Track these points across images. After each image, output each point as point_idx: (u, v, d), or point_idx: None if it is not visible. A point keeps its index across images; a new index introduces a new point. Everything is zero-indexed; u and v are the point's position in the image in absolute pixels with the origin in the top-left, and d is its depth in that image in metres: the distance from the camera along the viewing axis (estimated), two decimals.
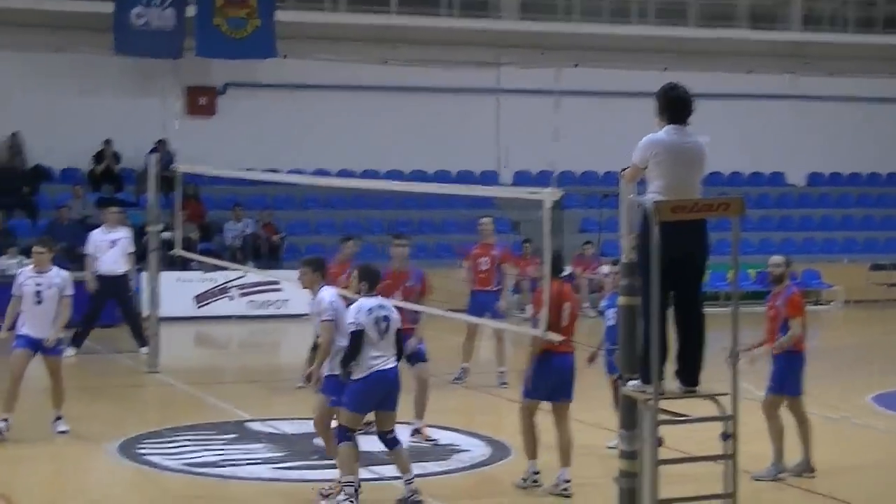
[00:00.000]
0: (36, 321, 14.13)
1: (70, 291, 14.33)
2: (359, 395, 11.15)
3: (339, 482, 11.26)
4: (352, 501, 11.08)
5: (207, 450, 13.57)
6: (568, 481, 11.77)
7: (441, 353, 20.55)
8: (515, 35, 32.25)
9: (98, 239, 20.83)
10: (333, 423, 11.52)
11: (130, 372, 19.51)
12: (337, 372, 11.39)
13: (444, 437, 14.29)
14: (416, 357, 14.02)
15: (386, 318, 11.30)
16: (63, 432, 14.22)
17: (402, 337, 11.60)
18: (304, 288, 12.11)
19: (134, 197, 26.84)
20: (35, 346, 14.14)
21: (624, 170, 9.02)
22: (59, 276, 14.29)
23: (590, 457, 12.78)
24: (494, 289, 17.88)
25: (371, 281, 11.52)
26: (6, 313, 14.37)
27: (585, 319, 25.03)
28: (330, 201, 30.27)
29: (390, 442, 11.39)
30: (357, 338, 11.10)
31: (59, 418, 14.38)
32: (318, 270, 11.99)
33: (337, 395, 11.33)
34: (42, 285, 14.14)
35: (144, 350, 20.02)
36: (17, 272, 14.86)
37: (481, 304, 17.58)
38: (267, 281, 25.82)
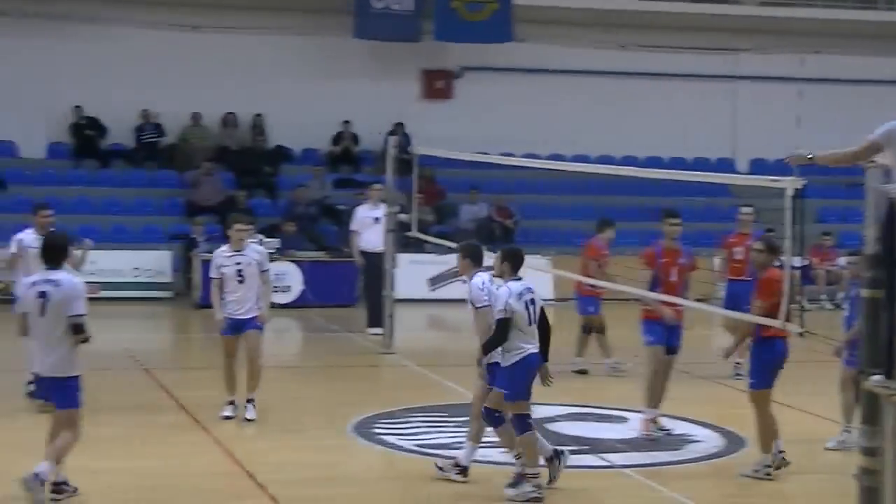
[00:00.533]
0: (240, 301, 14.08)
1: (268, 266, 14.30)
2: (517, 381, 11.10)
3: (523, 472, 11.14)
4: (539, 492, 11.03)
5: (440, 431, 13.71)
6: (769, 466, 11.82)
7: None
8: (755, 21, 31.69)
9: (362, 215, 21.23)
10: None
11: (366, 352, 19.83)
12: (498, 360, 11.29)
13: (678, 426, 14.17)
14: (675, 347, 13.89)
15: (533, 302, 11.21)
16: (250, 420, 14.06)
17: (546, 320, 11.46)
18: (461, 275, 12.02)
19: (371, 178, 27.21)
20: (239, 326, 14.17)
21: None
22: (256, 253, 14.21)
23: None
24: (748, 278, 17.51)
25: (514, 263, 11.37)
26: (212, 299, 14.39)
27: (821, 311, 24.69)
28: (564, 186, 30.21)
29: (497, 420, 11.32)
30: (505, 324, 11.03)
31: (250, 401, 14.13)
32: (469, 257, 11.75)
33: (500, 383, 11.24)
34: (242, 264, 14.06)
35: (373, 332, 20.39)
36: (213, 254, 14.86)
37: (736, 293, 17.24)
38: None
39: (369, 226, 20.96)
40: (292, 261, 24.73)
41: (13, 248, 14.36)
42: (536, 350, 11.26)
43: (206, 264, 23.86)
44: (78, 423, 10.70)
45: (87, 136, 28.27)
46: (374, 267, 20.47)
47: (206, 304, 23.26)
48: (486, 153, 25.58)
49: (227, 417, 14.07)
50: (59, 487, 10.75)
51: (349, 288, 24.43)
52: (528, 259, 12.14)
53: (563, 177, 29.65)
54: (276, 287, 24.26)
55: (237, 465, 12.21)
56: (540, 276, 25.14)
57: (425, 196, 26.21)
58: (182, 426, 13.88)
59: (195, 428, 13.80)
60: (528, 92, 30.54)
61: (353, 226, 21.40)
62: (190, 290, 24.76)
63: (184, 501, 11.08)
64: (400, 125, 28.66)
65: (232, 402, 14.20)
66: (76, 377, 10.60)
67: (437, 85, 30.40)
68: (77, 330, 10.41)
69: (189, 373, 18.24)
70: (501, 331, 11.06)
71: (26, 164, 28.16)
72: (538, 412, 14.03)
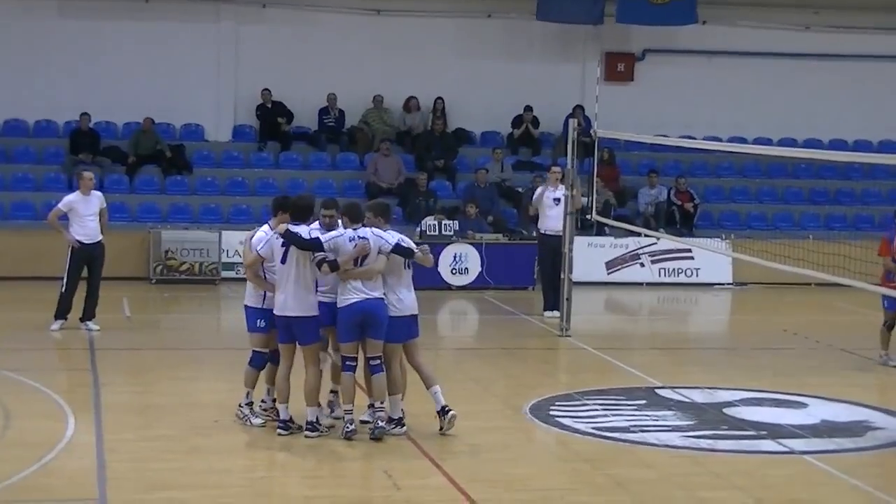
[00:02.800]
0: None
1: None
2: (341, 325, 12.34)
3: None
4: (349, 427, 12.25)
5: (617, 415, 13.66)
6: None
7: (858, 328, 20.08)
8: None
9: (541, 197, 21.21)
10: None
11: (543, 335, 19.82)
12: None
13: (860, 413, 13.90)
14: None
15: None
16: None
17: None
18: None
19: (551, 161, 27.17)
20: None
21: None
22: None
23: None
24: None
25: (352, 215, 12.33)
26: None
27: None
28: (746, 169, 29.83)
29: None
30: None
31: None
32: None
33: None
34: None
35: (550, 315, 20.44)
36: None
37: None
38: (679, 249, 25.66)
39: (549, 208, 20.94)
40: (471, 243, 24.82)
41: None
42: (364, 298, 12.13)
43: None
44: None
45: (273, 120, 28.75)
46: (553, 250, 20.44)
47: None
48: (666, 136, 25.43)
49: None
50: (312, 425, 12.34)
51: (527, 270, 24.43)
52: (707, 242, 12.00)
53: (744, 159, 29.35)
54: (454, 269, 24.60)
55: (414, 444, 12.31)
56: (720, 260, 25.00)
57: (605, 179, 26.11)
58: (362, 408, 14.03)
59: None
60: (711, 74, 30.17)
61: (532, 209, 21.51)
62: None
63: (365, 479, 11.21)
64: (580, 108, 28.53)
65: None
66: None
67: (619, 68, 30.16)
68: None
69: None
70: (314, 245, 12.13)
71: (212, 147, 28.73)
72: (717, 396, 13.94)
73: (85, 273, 18.59)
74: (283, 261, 12.32)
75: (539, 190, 21.41)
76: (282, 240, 12.30)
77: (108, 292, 19.22)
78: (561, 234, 19.92)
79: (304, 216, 12.45)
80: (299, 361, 12.44)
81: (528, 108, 29.50)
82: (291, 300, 12.25)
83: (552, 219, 20.73)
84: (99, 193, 18.83)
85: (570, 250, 19.29)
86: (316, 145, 29.05)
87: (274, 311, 12.42)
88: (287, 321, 12.30)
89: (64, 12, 27.89)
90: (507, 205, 27.43)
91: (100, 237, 18.54)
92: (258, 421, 12.81)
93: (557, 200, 20.62)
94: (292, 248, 12.24)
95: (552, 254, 20.57)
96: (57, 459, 11.43)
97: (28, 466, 11.03)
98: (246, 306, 13.03)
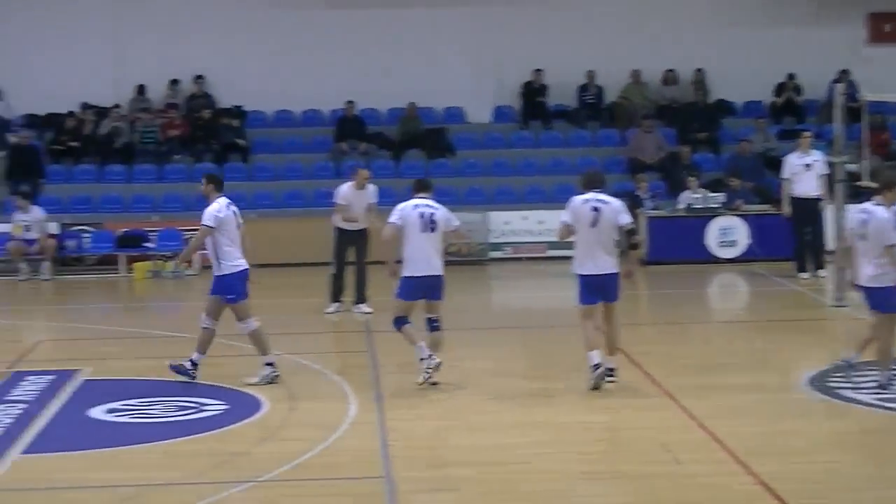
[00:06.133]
0: None
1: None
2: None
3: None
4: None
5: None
6: None
7: None
8: None
9: (793, 163, 21.56)
10: None
11: (817, 305, 19.52)
12: None
13: None
14: None
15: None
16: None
17: None
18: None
19: (816, 128, 26.63)
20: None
21: None
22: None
23: None
24: None
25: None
26: None
27: None
28: None
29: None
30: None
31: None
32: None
33: None
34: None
35: (804, 276, 21.01)
36: None
37: None
38: None
39: (801, 173, 21.37)
40: (738, 215, 24.52)
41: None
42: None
43: (652, 221, 24.24)
44: None
45: (535, 99, 28.92)
46: (807, 213, 21.28)
47: (652, 260, 23.69)
48: None
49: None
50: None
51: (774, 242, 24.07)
52: None
53: None
54: (721, 242, 24.34)
55: (692, 418, 12.28)
56: None
57: (874, 144, 25.43)
58: (632, 381, 14.05)
59: (647, 382, 13.95)
60: None
61: (784, 174, 21.76)
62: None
63: (642, 454, 11.23)
64: (845, 72, 27.85)
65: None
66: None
67: (885, 28, 29.32)
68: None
69: (637, 329, 18.41)
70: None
71: (473, 128, 29.06)
72: None
73: (352, 258, 19.03)
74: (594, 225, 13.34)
75: (790, 156, 21.65)
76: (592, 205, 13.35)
77: (379, 275, 19.64)
78: (814, 198, 21.04)
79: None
80: None
81: (791, 76, 28.94)
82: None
83: (803, 183, 21.33)
84: (373, 187, 19.17)
85: (831, 221, 19.02)
86: (576, 122, 29.10)
87: (581, 273, 13.43)
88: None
89: (331, 2, 28.59)
90: (772, 175, 26.99)
91: (365, 225, 18.93)
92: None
93: (808, 166, 21.21)
94: (603, 216, 13.32)
95: (804, 218, 21.33)
96: (342, 439, 11.79)
97: (316, 446, 11.41)
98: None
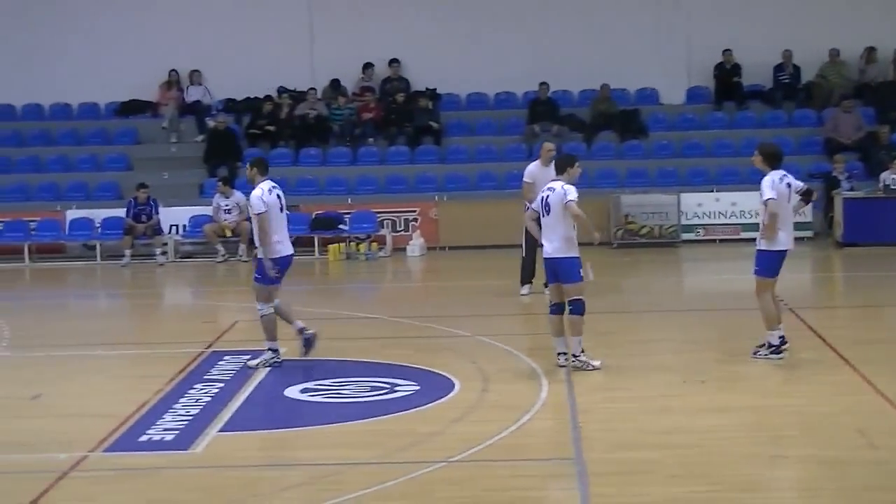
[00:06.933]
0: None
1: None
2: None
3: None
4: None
5: None
6: None
7: None
8: None
9: None
10: None
11: None
12: None
13: None
14: None
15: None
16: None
17: None
18: None
19: None
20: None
21: None
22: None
23: None
24: None
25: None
26: None
27: None
28: None
29: None
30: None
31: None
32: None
33: None
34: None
35: None
36: None
37: None
38: None
39: None
40: None
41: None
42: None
43: (848, 202, 23.77)
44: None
45: (729, 79, 28.60)
46: None
47: (848, 242, 23.25)
48: None
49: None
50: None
51: None
52: None
53: None
54: None
55: (889, 402, 12.06)
56: None
57: None
58: (825, 364, 13.86)
59: (842, 365, 13.74)
60: None
61: None
62: (832, 229, 24.52)
63: (836, 438, 11.09)
64: None
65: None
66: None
67: None
68: None
69: (834, 311, 18.15)
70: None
71: (666, 110, 28.86)
72: None
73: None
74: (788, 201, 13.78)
75: None
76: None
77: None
78: None
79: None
80: None
81: None
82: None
83: None
84: None
85: None
86: (771, 103, 28.68)
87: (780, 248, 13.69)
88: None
89: None
90: None
91: None
92: (597, 362, 13.60)
93: None
94: (792, 192, 13.79)
95: None
96: (533, 420, 11.86)
97: (507, 427, 11.51)
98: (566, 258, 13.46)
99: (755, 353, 14.03)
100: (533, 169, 18.80)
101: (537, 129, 27.66)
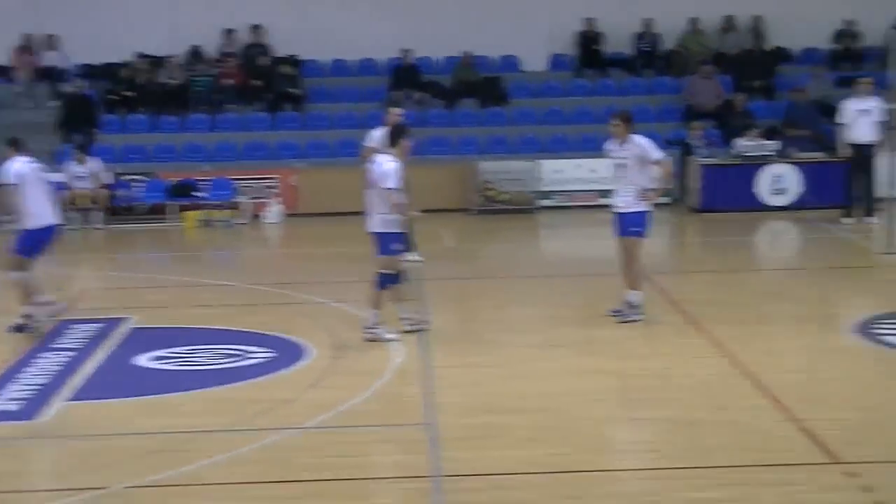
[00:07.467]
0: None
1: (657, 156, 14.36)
2: None
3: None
4: None
5: None
6: None
7: None
8: None
9: (850, 108, 21.99)
10: None
11: (864, 252, 19.38)
12: None
13: None
14: None
15: None
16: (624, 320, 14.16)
17: None
18: None
19: (875, 75, 26.24)
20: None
21: None
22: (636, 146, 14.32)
23: None
24: None
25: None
26: None
27: None
28: None
29: None
30: None
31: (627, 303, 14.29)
32: None
33: None
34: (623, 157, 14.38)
35: (870, 221, 21.29)
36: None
37: None
38: None
39: (857, 119, 21.82)
40: (789, 162, 24.30)
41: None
42: None
43: (704, 168, 24.09)
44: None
45: (591, 47, 28.76)
46: (863, 159, 21.80)
47: (703, 208, 23.57)
48: None
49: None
50: None
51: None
52: None
53: None
54: (774, 189, 24.15)
55: (736, 365, 12.24)
56: None
57: None
58: (680, 328, 14.02)
59: (693, 329, 13.91)
60: None
61: (841, 119, 22.19)
62: (686, 195, 24.81)
63: (685, 400, 11.22)
64: None
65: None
66: None
67: None
68: None
69: (687, 276, 18.37)
70: None
71: (528, 77, 28.93)
72: None
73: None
74: None
75: (847, 101, 22.03)
76: None
77: (430, 224, 19.67)
78: (869, 144, 21.58)
79: None
80: None
81: (849, 22, 28.60)
82: None
83: (859, 129, 21.78)
84: None
85: (884, 169, 18.79)
86: (632, 71, 28.92)
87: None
88: None
89: None
90: (829, 122, 26.70)
91: None
92: (391, 336, 13.44)
93: (865, 111, 21.65)
94: None
95: (858, 164, 21.89)
96: (387, 386, 11.84)
97: (360, 393, 11.47)
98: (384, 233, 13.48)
99: (616, 314, 14.16)
100: (378, 134, 18.38)
101: (399, 95, 27.55)
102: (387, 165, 13.42)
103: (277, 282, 16.00)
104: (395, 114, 18.61)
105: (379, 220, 13.53)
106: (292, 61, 28.50)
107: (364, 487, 9.28)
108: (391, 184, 13.34)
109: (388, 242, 13.56)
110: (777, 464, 9.39)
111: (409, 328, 13.75)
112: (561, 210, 24.90)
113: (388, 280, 13.59)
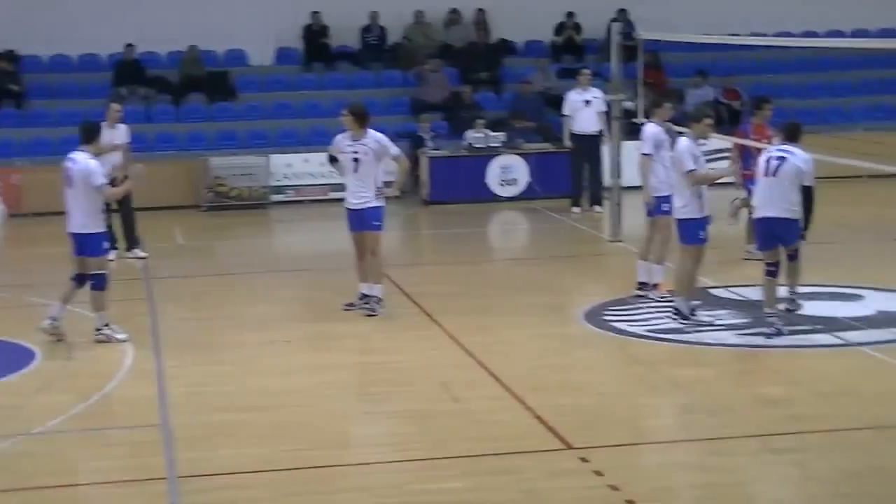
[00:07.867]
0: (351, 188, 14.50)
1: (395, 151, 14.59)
2: None
3: None
4: None
5: (671, 317, 13.61)
6: None
7: None
8: None
9: (573, 100, 22.43)
10: None
11: (593, 241, 19.83)
12: None
13: None
14: None
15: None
16: (371, 314, 14.21)
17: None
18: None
19: (595, 66, 26.95)
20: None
21: None
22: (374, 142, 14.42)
23: None
24: None
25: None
26: None
27: None
28: (792, 64, 29.47)
29: None
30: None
31: (364, 296, 14.34)
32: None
33: None
34: (358, 152, 14.36)
35: (597, 209, 21.85)
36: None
37: None
38: (727, 148, 25.41)
39: (580, 109, 22.28)
40: (518, 153, 24.72)
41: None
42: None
43: (434, 161, 24.32)
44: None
45: (318, 41, 28.68)
46: (587, 149, 22.25)
47: (434, 200, 23.80)
48: (711, 34, 25.10)
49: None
50: None
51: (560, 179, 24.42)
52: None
53: (790, 55, 28.98)
54: (502, 181, 24.53)
55: (470, 356, 12.37)
56: None
57: (651, 82, 25.87)
58: (415, 321, 14.10)
59: (428, 322, 14.01)
60: None
61: (565, 110, 22.67)
62: (418, 188, 24.98)
63: (422, 393, 11.28)
64: (623, 11, 28.24)
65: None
66: None
67: None
68: None
69: (420, 269, 18.49)
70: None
71: (255, 71, 28.70)
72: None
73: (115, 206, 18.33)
74: None
75: (570, 93, 22.50)
76: None
77: (160, 221, 19.41)
78: (592, 134, 22.03)
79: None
80: None
81: (570, 14, 29.26)
82: None
83: (582, 120, 22.27)
84: (124, 126, 18.68)
85: (618, 155, 19.20)
86: (360, 64, 28.98)
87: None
88: None
89: None
90: (554, 113, 27.27)
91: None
92: (122, 336, 13.22)
93: (587, 102, 22.14)
94: None
95: (583, 153, 22.30)
96: (119, 388, 11.59)
97: (91, 396, 11.19)
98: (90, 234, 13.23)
99: (350, 307, 14.17)
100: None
101: (124, 91, 26.95)
102: (89, 163, 13.09)
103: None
104: (116, 110, 18.28)
105: (81, 221, 13.19)
106: (8, 56, 27.57)
107: (96, 492, 9.04)
108: (100, 180, 13.05)
109: (97, 241, 13.24)
110: (514, 451, 9.53)
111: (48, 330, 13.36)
112: (293, 205, 24.76)
113: (103, 281, 13.25)
